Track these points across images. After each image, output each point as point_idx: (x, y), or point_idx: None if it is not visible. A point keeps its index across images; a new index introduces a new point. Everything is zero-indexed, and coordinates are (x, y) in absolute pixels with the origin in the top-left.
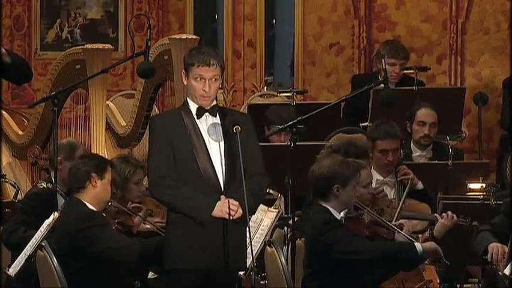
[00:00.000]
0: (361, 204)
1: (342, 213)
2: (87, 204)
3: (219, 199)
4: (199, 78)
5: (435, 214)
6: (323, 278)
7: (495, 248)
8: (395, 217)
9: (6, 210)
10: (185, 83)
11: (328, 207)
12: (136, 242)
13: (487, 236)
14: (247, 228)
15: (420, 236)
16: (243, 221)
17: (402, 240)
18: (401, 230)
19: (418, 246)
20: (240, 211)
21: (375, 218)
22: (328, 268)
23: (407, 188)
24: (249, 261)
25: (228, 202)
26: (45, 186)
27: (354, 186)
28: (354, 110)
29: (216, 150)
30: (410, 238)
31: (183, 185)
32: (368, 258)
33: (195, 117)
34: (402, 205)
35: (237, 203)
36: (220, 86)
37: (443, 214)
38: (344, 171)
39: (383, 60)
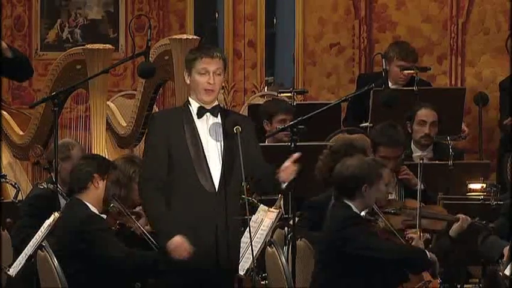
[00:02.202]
0: (378, 210)
1: (362, 213)
2: (88, 205)
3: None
4: (203, 72)
5: (457, 215)
6: (334, 273)
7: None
8: (417, 218)
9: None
10: (187, 81)
11: (351, 204)
12: (131, 256)
13: (497, 240)
14: (248, 229)
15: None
16: (239, 222)
17: None
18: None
19: (428, 254)
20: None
21: (389, 227)
22: (341, 263)
23: (418, 194)
24: (249, 261)
25: (180, 243)
26: (45, 186)
27: (378, 186)
28: (362, 110)
29: (214, 150)
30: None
31: (162, 196)
32: (384, 257)
33: (196, 116)
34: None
35: (187, 246)
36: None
37: (461, 216)
38: (372, 171)
39: (383, 60)
